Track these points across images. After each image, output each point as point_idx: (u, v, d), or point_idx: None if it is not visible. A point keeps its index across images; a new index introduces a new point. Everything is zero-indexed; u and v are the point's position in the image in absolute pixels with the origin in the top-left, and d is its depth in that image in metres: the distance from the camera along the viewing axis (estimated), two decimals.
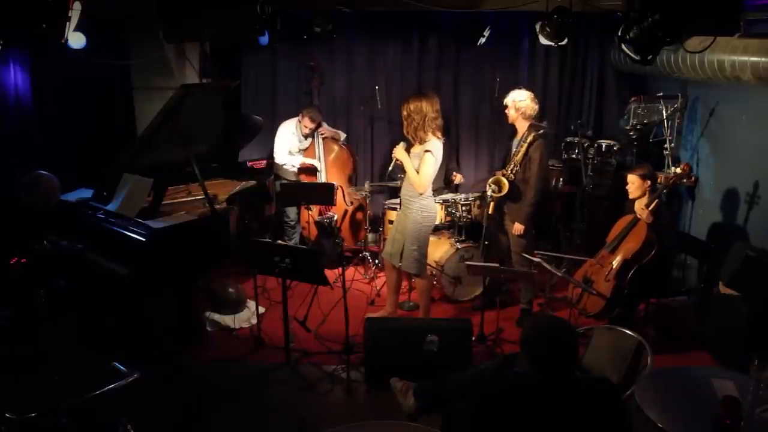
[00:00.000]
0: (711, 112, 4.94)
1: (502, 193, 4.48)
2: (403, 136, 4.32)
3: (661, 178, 4.48)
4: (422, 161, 4.15)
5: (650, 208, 4.17)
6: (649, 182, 4.26)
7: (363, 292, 5.25)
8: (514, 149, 4.57)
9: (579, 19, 5.27)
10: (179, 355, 4.15)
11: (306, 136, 5.68)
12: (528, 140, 4.45)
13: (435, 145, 4.15)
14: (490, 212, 4.68)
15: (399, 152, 4.26)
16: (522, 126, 4.53)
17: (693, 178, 5.10)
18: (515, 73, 6.16)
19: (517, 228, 4.52)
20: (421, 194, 4.21)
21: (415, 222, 4.25)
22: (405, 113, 4.18)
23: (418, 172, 4.17)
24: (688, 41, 3.63)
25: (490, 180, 4.55)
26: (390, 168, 4.58)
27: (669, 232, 4.26)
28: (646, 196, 4.27)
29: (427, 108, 4.13)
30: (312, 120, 5.55)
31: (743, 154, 4.57)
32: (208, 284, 4.75)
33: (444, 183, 5.73)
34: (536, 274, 4.29)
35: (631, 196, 4.35)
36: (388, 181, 5.34)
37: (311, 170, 5.73)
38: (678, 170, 4.42)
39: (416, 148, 4.23)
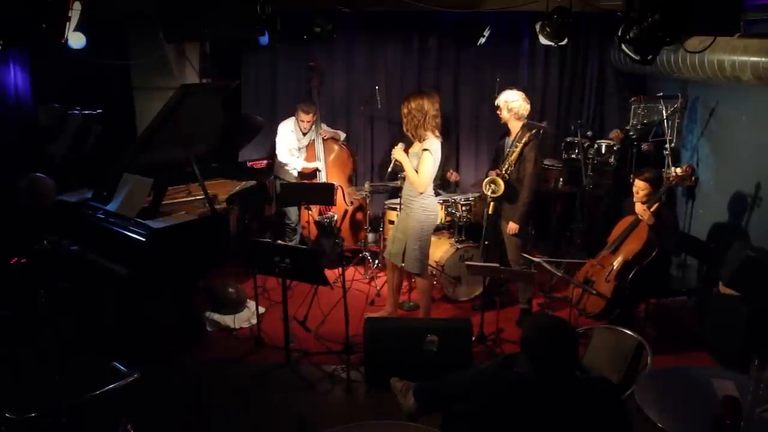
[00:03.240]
0: (711, 112, 4.94)
1: (498, 194, 4.49)
2: (403, 136, 4.33)
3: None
4: (421, 160, 4.15)
5: (652, 210, 4.17)
6: (651, 186, 4.22)
7: (363, 292, 5.25)
8: (507, 149, 4.57)
9: (579, 19, 5.27)
10: (179, 355, 4.15)
11: (305, 133, 5.68)
12: (523, 140, 4.45)
13: (433, 143, 4.15)
14: (489, 212, 4.68)
15: (398, 153, 4.26)
16: (515, 126, 4.53)
17: (693, 179, 5.10)
18: (515, 73, 6.17)
19: (512, 227, 4.52)
20: (421, 194, 4.21)
21: (417, 221, 4.25)
22: (405, 111, 4.18)
23: (417, 172, 4.17)
24: (688, 41, 3.62)
25: (486, 180, 4.54)
26: (389, 169, 4.58)
27: (669, 234, 4.26)
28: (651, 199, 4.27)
29: (429, 106, 4.14)
30: (305, 112, 5.53)
31: (743, 154, 4.57)
32: (208, 284, 4.75)
33: (441, 182, 5.72)
34: (536, 274, 4.30)
35: (636, 200, 4.28)
36: (388, 182, 5.34)
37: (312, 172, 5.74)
38: (680, 171, 4.41)
39: (415, 148, 4.23)
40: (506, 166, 4.52)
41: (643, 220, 4.21)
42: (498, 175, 4.50)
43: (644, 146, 5.38)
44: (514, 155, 4.48)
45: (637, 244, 4.22)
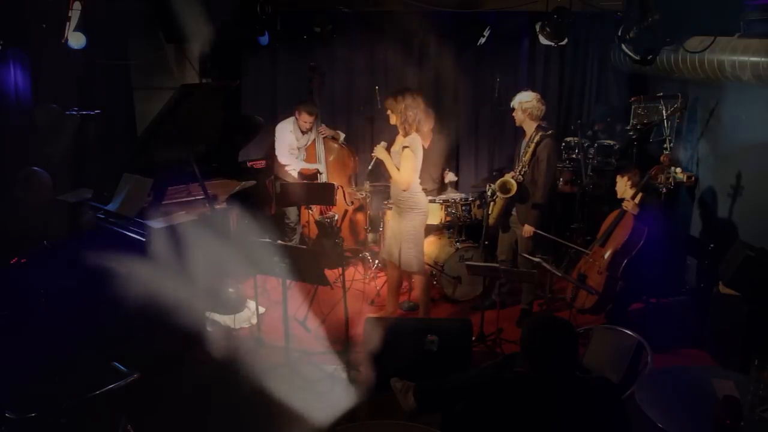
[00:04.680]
0: (711, 112, 4.94)
1: (510, 195, 4.48)
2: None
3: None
4: (402, 158, 4.17)
5: (635, 200, 4.27)
6: (626, 179, 4.41)
7: (363, 292, 5.25)
8: (522, 150, 4.57)
9: (579, 19, 5.27)
10: (179, 355, 4.15)
11: (304, 132, 5.68)
12: (535, 140, 4.45)
13: (414, 140, 4.18)
14: (490, 212, 4.67)
15: (379, 151, 4.28)
16: (530, 127, 4.53)
17: (693, 178, 5.11)
18: (515, 73, 6.17)
19: (527, 230, 4.52)
20: (404, 191, 4.21)
21: (408, 220, 4.27)
22: (402, 106, 4.16)
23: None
24: (688, 41, 3.63)
25: (498, 182, 4.54)
26: (369, 167, 4.57)
27: (655, 220, 4.34)
28: (631, 190, 4.40)
29: (421, 103, 4.21)
30: (309, 113, 5.52)
31: (743, 154, 4.56)
32: (208, 284, 4.74)
33: (438, 183, 5.72)
34: (537, 274, 4.30)
35: (620, 196, 4.50)
36: (369, 180, 5.33)
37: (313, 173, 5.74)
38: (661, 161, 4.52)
39: (396, 146, 4.25)
40: (520, 167, 4.52)
41: (628, 210, 4.32)
42: (512, 177, 4.50)
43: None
44: (527, 156, 4.48)
45: (624, 235, 4.31)
